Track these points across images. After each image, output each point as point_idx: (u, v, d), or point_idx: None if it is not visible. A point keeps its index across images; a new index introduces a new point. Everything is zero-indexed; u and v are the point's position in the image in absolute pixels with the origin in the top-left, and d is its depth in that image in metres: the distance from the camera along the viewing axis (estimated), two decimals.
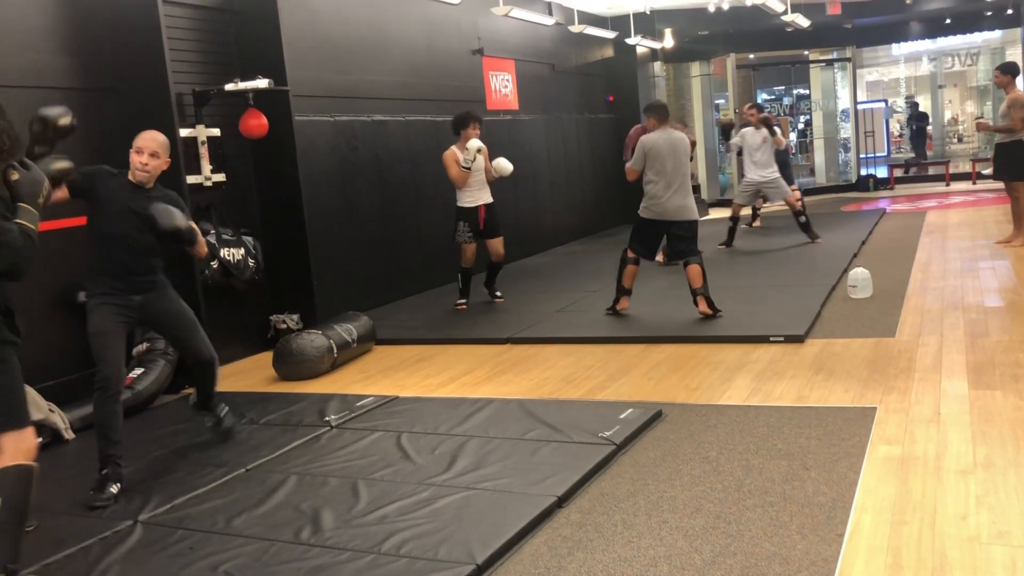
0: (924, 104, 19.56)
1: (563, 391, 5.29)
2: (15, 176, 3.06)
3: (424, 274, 9.17)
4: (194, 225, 4.36)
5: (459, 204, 7.76)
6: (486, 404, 4.99)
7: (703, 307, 6.66)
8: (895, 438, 4.00)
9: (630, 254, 6.98)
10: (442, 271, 9.33)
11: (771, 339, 5.92)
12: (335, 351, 6.24)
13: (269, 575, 3.13)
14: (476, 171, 7.67)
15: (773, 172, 10.05)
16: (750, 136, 10.11)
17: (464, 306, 7.97)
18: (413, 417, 4.88)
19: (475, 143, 7.51)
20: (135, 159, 4.27)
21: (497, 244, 7.88)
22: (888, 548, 2.99)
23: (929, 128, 19.17)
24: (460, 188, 7.70)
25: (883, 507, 3.31)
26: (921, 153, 18.81)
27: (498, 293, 8.16)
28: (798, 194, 10.24)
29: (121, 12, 5.97)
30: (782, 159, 10.70)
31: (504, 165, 7.79)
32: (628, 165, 7.05)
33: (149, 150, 4.28)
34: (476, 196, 7.73)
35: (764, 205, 11.64)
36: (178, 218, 4.15)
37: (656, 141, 6.75)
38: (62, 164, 3.73)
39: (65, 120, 3.74)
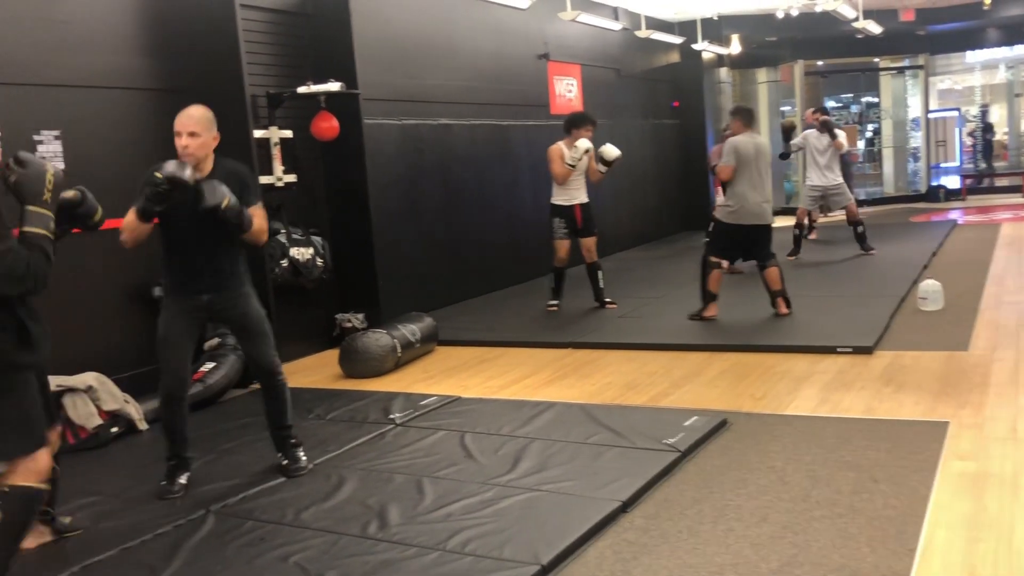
0: (1000, 113, 19.03)
1: (626, 397, 5.28)
2: (13, 177, 2.90)
3: (486, 277, 9.23)
4: (241, 208, 3.95)
5: (553, 201, 7.76)
6: (548, 407, 5.00)
7: (783, 308, 6.87)
8: (969, 454, 3.91)
9: (713, 259, 6.97)
10: (504, 275, 9.40)
11: (839, 350, 5.82)
12: (399, 351, 6.32)
13: (338, 568, 3.19)
14: (578, 171, 7.64)
15: (837, 177, 9.83)
16: (814, 139, 9.89)
17: (555, 308, 7.93)
18: (476, 418, 4.92)
19: (584, 143, 7.44)
20: (177, 144, 3.93)
21: (590, 243, 7.80)
22: (963, 565, 2.93)
23: (1000, 137, 18.69)
24: (559, 184, 7.67)
25: (957, 523, 3.24)
26: (988, 164, 18.37)
27: (608, 299, 7.88)
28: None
29: (200, 15, 6.12)
30: (845, 169, 10.49)
31: (610, 151, 7.65)
32: (722, 163, 7.02)
33: (187, 130, 3.90)
34: (572, 195, 7.69)
35: (819, 217, 11.36)
36: (220, 196, 3.81)
37: (744, 143, 6.87)
38: (69, 194, 3.38)
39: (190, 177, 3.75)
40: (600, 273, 7.91)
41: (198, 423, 5.18)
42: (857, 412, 4.61)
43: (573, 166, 7.50)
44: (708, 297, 7.00)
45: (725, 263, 7.72)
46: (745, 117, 7.01)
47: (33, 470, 3.01)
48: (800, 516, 3.39)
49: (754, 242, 6.92)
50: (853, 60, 16.74)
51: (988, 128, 18.80)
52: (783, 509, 3.47)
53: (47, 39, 5.40)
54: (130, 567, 3.36)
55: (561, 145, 7.63)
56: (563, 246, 7.80)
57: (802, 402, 4.87)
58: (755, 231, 6.88)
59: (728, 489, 3.71)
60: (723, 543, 3.22)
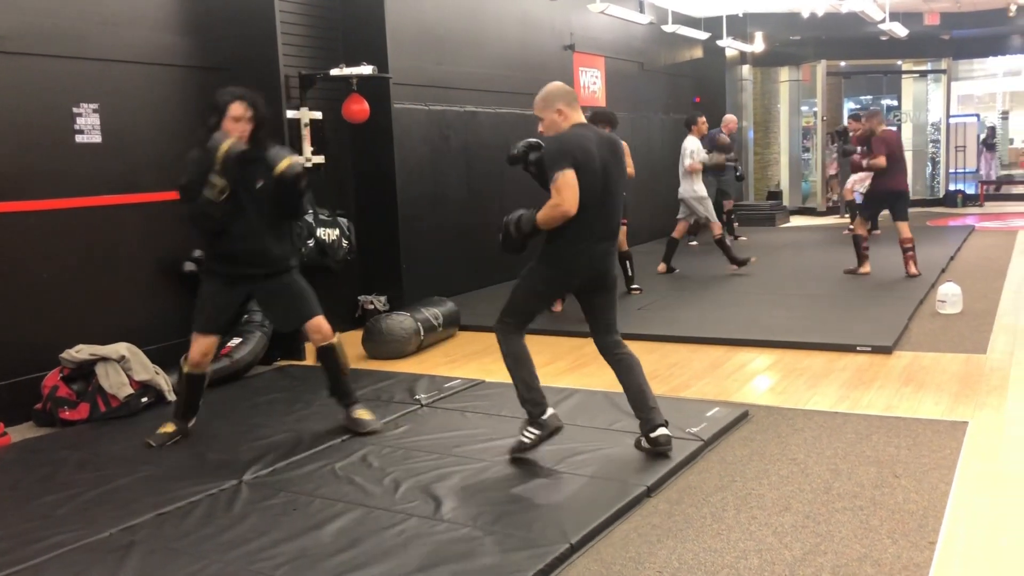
0: (1021, 120, 19.06)
1: None
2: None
3: (507, 264, 9.25)
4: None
5: None
6: (571, 394, 5.08)
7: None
8: (989, 454, 3.97)
9: None
10: (525, 263, 9.45)
11: (858, 348, 5.89)
12: (422, 333, 6.41)
13: (372, 539, 3.26)
14: None
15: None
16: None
17: None
18: (500, 401, 4.99)
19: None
20: None
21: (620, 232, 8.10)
22: (982, 559, 3.00)
23: (1019, 145, 18.71)
24: None
25: (977, 520, 3.31)
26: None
27: (635, 286, 8.27)
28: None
29: None
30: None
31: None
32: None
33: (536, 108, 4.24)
34: None
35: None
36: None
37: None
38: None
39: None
40: (629, 263, 8.10)
41: (227, 398, 5.30)
42: (877, 410, 4.68)
43: None
44: None
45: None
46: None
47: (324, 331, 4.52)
48: (822, 507, 3.46)
49: None
50: (876, 62, 16.74)
51: (992, 134, 18.87)
52: (805, 500, 3.54)
53: (90, 13, 5.48)
54: (168, 530, 3.45)
55: None
56: None
57: (822, 398, 4.94)
58: None
59: (750, 479, 3.79)
60: (746, 530, 3.29)
